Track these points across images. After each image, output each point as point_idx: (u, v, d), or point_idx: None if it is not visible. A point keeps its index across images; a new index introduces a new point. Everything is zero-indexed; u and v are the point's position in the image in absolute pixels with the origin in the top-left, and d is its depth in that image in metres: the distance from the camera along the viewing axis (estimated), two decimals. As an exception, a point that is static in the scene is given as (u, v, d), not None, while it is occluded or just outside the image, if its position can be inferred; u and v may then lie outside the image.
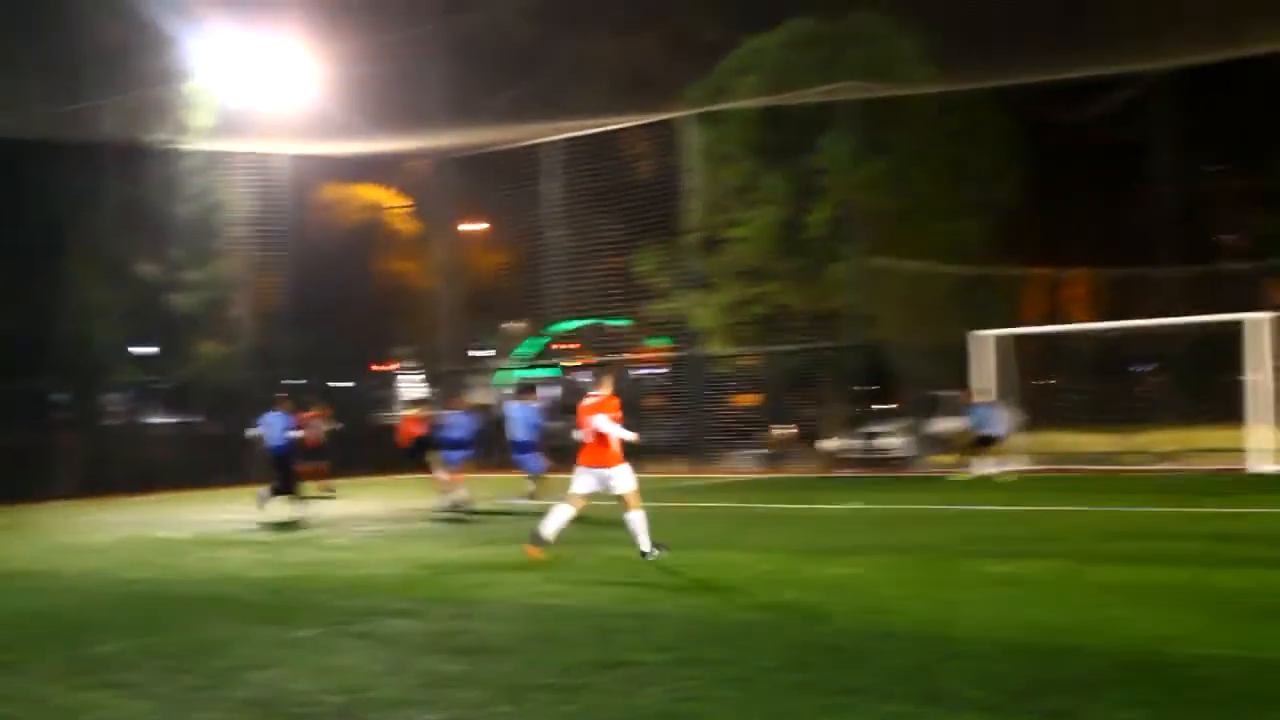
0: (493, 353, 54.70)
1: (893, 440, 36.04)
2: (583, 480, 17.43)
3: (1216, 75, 36.75)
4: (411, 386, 53.31)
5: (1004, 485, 28.48)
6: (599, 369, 19.15)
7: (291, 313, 42.85)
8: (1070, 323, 43.83)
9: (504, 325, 51.92)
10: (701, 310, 39.02)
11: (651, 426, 44.76)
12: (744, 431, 39.93)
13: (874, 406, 37.91)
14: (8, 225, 36.98)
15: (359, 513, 28.11)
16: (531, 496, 27.29)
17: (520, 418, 28.12)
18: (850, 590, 14.37)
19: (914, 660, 10.64)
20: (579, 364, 44.56)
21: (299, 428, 28.37)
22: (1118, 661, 10.26)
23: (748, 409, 42.13)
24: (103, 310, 39.10)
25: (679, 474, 36.10)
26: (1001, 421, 30.81)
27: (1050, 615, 12.36)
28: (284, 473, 27.24)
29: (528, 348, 49.80)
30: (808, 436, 39.49)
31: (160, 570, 18.29)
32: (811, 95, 36.87)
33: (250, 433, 27.95)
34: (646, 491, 29.37)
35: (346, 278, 45.89)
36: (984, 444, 30.76)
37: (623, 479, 17.29)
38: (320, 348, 44.37)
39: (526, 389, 30.12)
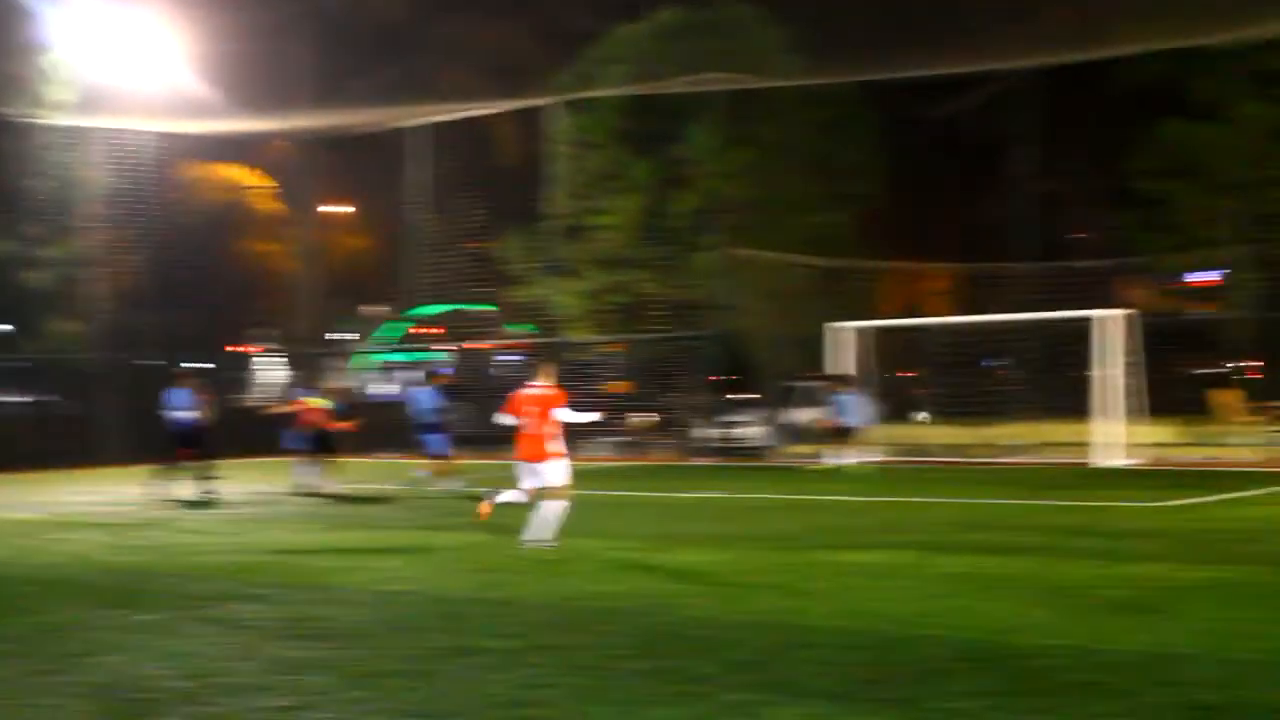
0: (354, 336, 54.38)
1: (751, 430, 36.27)
2: (523, 475, 17.25)
3: (1076, 76, 37.40)
4: (270, 369, 52.80)
5: (858, 476, 28.79)
6: (539, 359, 18.95)
7: (150, 292, 42.21)
8: (929, 316, 44.45)
9: (364, 309, 51.60)
10: (564, 297, 39.01)
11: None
12: (605, 419, 39.97)
13: (733, 396, 38.14)
14: None
15: (214, 495, 27.69)
16: (430, 477, 27.54)
17: (425, 400, 28.03)
18: (702, 578, 14.45)
19: (762, 649, 10.73)
20: (441, 348, 44.35)
21: (203, 405, 28.22)
22: (962, 651, 10.40)
23: (609, 396, 42.21)
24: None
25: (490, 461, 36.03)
26: (860, 412, 31.14)
27: (898, 605, 12.51)
28: (197, 449, 27.20)
29: (389, 332, 49.54)
30: (668, 425, 39.67)
31: (7, 552, 17.97)
32: (677, 85, 37.00)
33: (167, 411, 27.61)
34: (504, 478, 29.42)
35: (208, 258, 45.36)
36: (841, 434, 31.07)
37: (556, 472, 17.05)
38: (179, 328, 43.79)
39: (432, 373, 30.01)
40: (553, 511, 17.01)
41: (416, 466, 28.28)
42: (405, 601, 13.50)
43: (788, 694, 9.25)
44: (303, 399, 30.09)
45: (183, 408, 27.22)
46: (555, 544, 16.88)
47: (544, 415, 16.99)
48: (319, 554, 17.56)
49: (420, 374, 32.15)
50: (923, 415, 32.92)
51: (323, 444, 29.04)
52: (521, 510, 17.38)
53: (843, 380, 31.71)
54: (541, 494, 17.04)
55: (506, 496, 17.51)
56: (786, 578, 14.32)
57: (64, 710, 9.39)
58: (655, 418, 39.62)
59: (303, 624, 12.38)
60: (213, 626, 12.38)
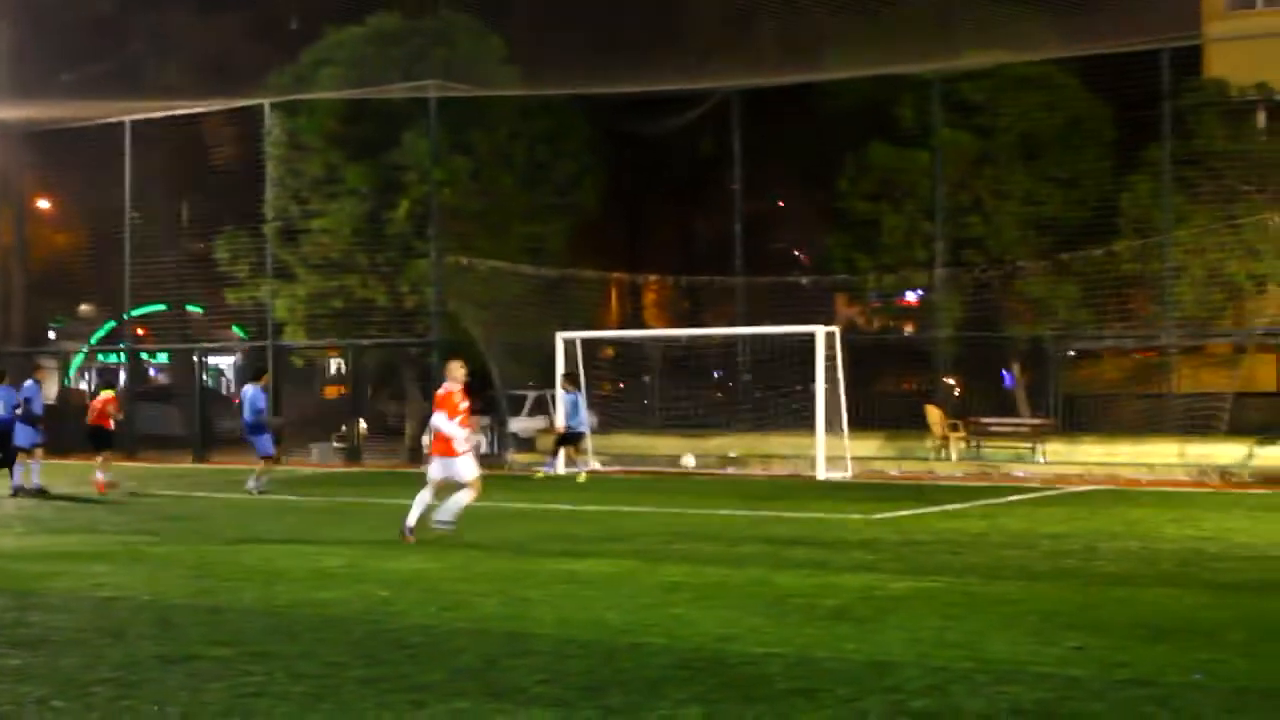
0: (62, 335, 52.66)
1: (474, 435, 36.26)
2: (433, 467, 18.43)
3: (787, 96, 38.22)
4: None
5: (579, 484, 28.94)
6: (446, 359, 20.51)
7: None
8: (649, 327, 45.02)
9: (79, 308, 50.02)
10: (280, 300, 38.40)
11: (226, 416, 43.97)
12: (325, 424, 39.52)
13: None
14: None
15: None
16: (259, 479, 27.37)
17: (251, 400, 27.63)
18: (422, 586, 14.37)
19: (483, 656, 10.71)
20: (156, 349, 43.23)
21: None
22: (679, 659, 10.52)
23: (328, 401, 41.77)
24: None
25: (254, 465, 35.36)
26: (584, 418, 31.32)
27: (617, 613, 12.60)
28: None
29: (102, 331, 48.15)
30: (389, 431, 39.36)
31: None
32: (393, 91, 36.80)
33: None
34: (217, 483, 28.89)
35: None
36: (570, 440, 31.16)
37: (467, 467, 18.29)
38: None
39: (259, 372, 29.36)
40: (457, 502, 18.35)
41: (252, 472, 27.80)
42: (116, 608, 13.14)
43: (509, 701, 9.25)
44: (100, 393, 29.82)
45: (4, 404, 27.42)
46: (456, 528, 18.27)
47: (451, 414, 18.10)
48: (24, 558, 16.99)
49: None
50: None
51: (100, 439, 28.67)
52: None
53: (571, 380, 31.80)
54: (451, 485, 18.40)
55: (412, 518, 18.42)
56: (507, 585, 14.33)
57: None
58: (364, 426, 39.28)
59: (9, 630, 11.97)
60: (-93, 634, 11.87)
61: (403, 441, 38.62)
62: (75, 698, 9.47)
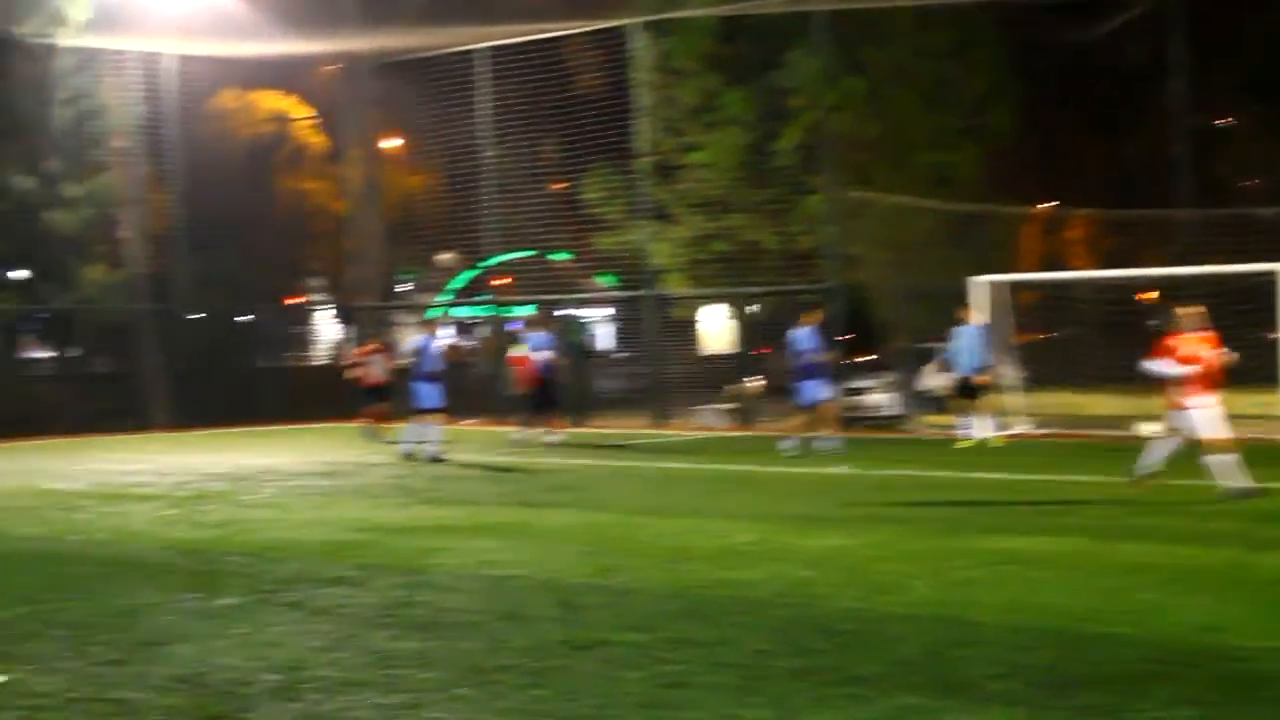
0: (416, 287, 54.51)
1: (879, 397, 36.06)
2: (1179, 418, 19.62)
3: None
4: (331, 323, 53.18)
5: (1002, 450, 28.55)
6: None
7: (184, 236, 42.43)
8: (1070, 268, 44.04)
9: (435, 256, 51.66)
10: (657, 245, 38.91)
11: (602, 376, 44.89)
12: (710, 383, 39.87)
13: (857, 358, 37.95)
14: None
15: (277, 465, 28.02)
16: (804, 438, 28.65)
17: (804, 342, 28.89)
18: (844, 565, 14.43)
19: (925, 645, 10.70)
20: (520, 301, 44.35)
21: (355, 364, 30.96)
22: (1155, 652, 10.32)
23: (713, 358, 42.17)
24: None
25: (637, 430, 36.10)
26: (983, 357, 30.20)
27: (1073, 599, 12.43)
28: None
29: (458, 282, 49.66)
30: (782, 390, 39.45)
31: (55, 527, 18.18)
32: (776, 5, 36.76)
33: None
34: (605, 450, 29.60)
35: (247, 197, 45.57)
36: (969, 392, 30.25)
37: (1204, 420, 19.41)
38: (217, 276, 44.06)
39: (810, 310, 30.47)
40: (1223, 462, 19.32)
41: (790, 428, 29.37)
42: (511, 587, 13.57)
43: (962, 698, 9.22)
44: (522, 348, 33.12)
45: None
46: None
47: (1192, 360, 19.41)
48: (409, 532, 17.69)
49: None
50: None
51: (545, 396, 32.20)
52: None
53: (972, 314, 30.85)
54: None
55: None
56: (939, 565, 14.27)
57: (146, 705, 9.49)
58: (763, 382, 39.46)
59: (397, 611, 12.46)
60: (296, 613, 12.50)
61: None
62: (480, 685, 9.81)
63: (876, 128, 37.18)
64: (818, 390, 28.68)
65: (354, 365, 34.96)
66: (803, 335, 28.75)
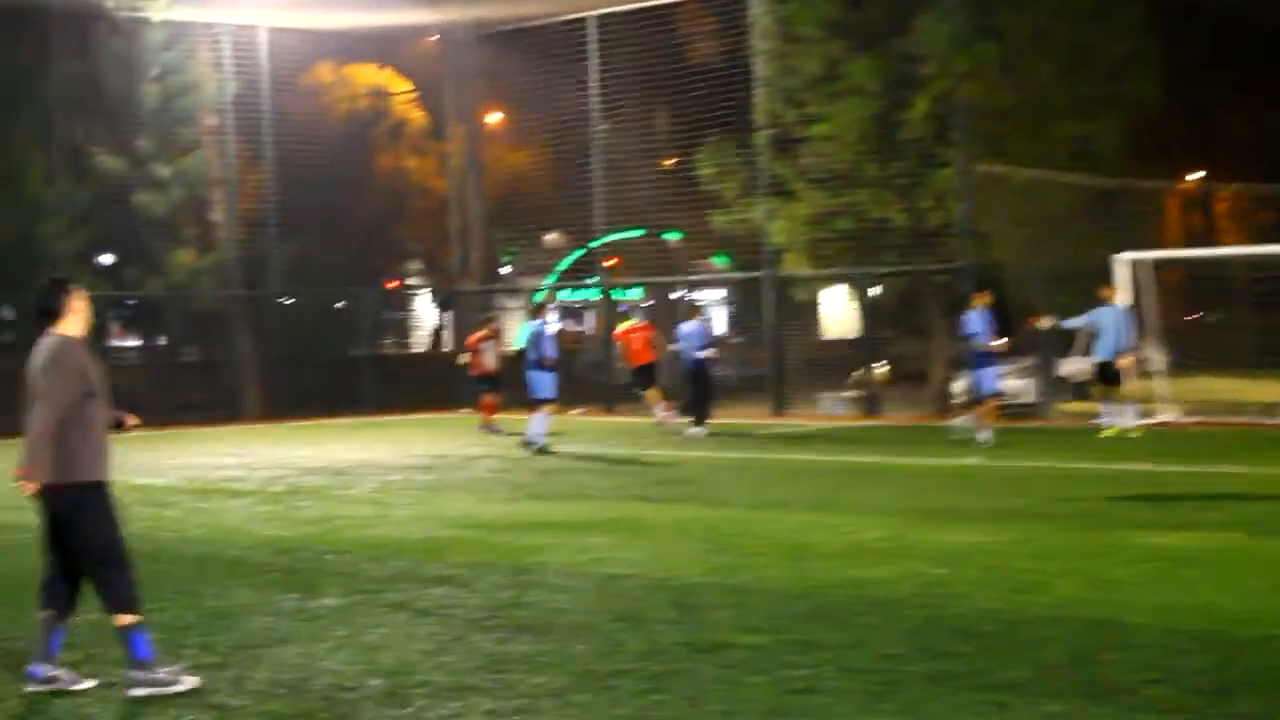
0: (519, 269, 54.69)
1: (1014, 383, 35.76)
2: None
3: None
4: (431, 308, 53.45)
5: (1145, 439, 28.22)
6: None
7: (278, 217, 42.74)
8: (1219, 245, 43.58)
9: (541, 236, 51.82)
10: (776, 223, 38.81)
11: (718, 361, 44.86)
12: (832, 370, 39.71)
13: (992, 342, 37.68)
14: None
15: (375, 458, 28.22)
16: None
17: (973, 326, 28.56)
18: (981, 563, 14.33)
19: (1072, 649, 10.63)
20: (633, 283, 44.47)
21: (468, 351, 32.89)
22: (1325, 658, 10.21)
23: (836, 343, 42.01)
24: (55, 209, 39.12)
25: (756, 420, 36.02)
26: (1130, 345, 29.80)
27: (1230, 599, 12.30)
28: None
29: (564, 264, 49.78)
30: (910, 376, 39.23)
31: (145, 524, 18.31)
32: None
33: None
34: (720, 441, 29.62)
35: (343, 177, 45.83)
36: (1109, 378, 29.85)
37: None
38: (311, 260, 44.37)
39: (978, 291, 30.59)
40: None
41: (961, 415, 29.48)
42: (624, 587, 13.57)
43: (1115, 704, 9.17)
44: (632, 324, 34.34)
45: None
46: None
47: None
48: (516, 528, 17.75)
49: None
50: None
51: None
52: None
53: (1117, 293, 30.44)
54: None
55: None
56: (1083, 563, 14.15)
57: (246, 711, 9.59)
58: (887, 368, 39.32)
59: (505, 612, 12.51)
60: (399, 614, 12.56)
61: (928, 389, 38.52)
62: (596, 691, 9.83)
63: (1011, 96, 36.87)
64: (992, 378, 28.22)
65: (467, 353, 35.16)
66: (973, 319, 28.35)
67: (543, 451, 28.04)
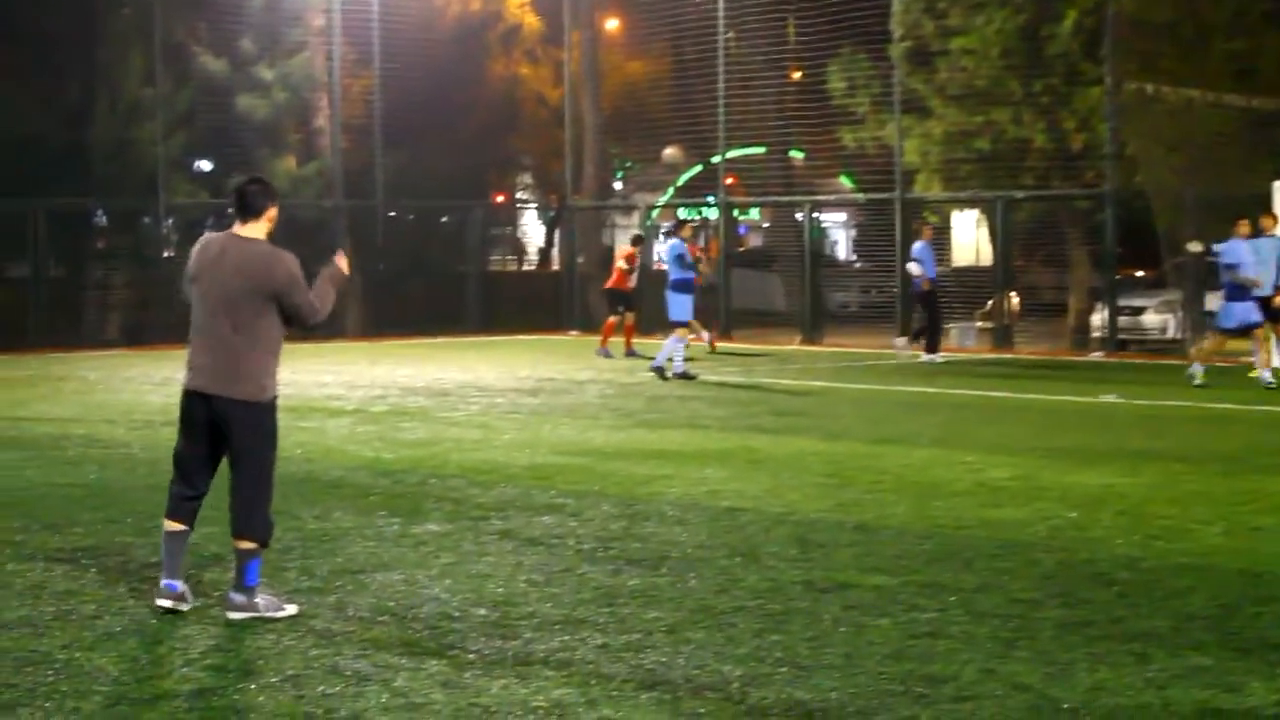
0: (634, 185, 54.69)
1: (1158, 317, 35.51)
2: None
3: None
4: (537, 224, 53.55)
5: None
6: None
7: (384, 125, 42.88)
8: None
9: (661, 151, 51.75)
10: (910, 141, 38.62)
11: (842, 288, 44.75)
12: (963, 299, 39.52)
13: (1134, 273, 37.44)
14: (32, 2, 37.28)
15: (479, 380, 28.44)
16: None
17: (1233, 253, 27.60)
18: (1116, 506, 14.29)
19: (1216, 599, 10.62)
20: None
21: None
22: None
23: (968, 271, 41.73)
24: (153, 113, 39.44)
25: (882, 349, 35.93)
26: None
27: (1389, 552, 12.26)
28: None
29: (682, 180, 49.75)
30: (1045, 307, 39.03)
31: (243, 443, 18.57)
32: None
33: None
34: (841, 371, 29.60)
35: (453, 84, 45.88)
36: (1265, 315, 29.05)
37: None
38: (417, 171, 44.49)
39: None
40: None
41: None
42: (741, 521, 13.64)
43: (1263, 660, 9.15)
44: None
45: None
46: None
47: None
48: (626, 457, 17.86)
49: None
50: None
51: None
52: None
53: (1261, 231, 29.57)
54: None
55: None
56: (1227, 509, 14.10)
57: (349, 637, 9.71)
58: (1022, 299, 39.10)
59: (619, 544, 12.62)
60: (506, 542, 12.70)
61: (1064, 320, 38.30)
62: (712, 629, 9.90)
63: (1168, 10, 36.46)
64: (1248, 312, 26.98)
65: (614, 272, 35.28)
66: (1233, 248, 27.36)
67: (683, 377, 27.99)
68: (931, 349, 32.45)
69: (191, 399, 10.34)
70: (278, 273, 10.20)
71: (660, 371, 28.19)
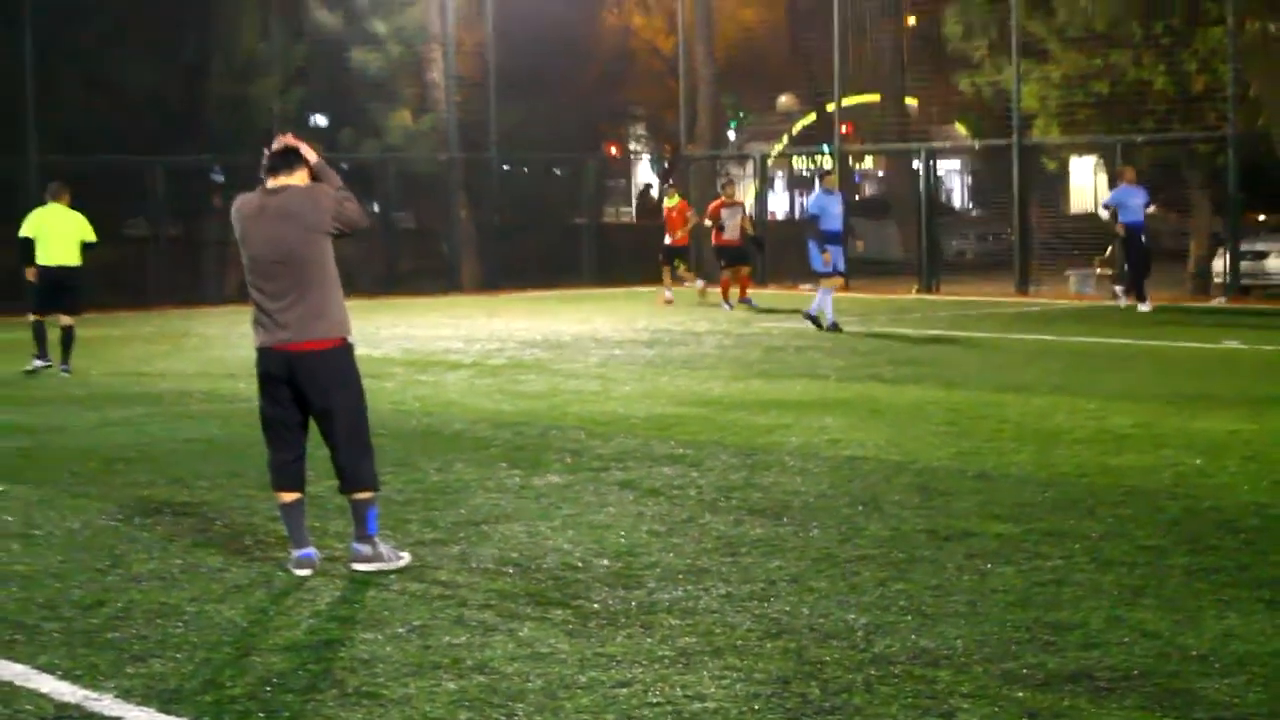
0: (749, 134, 54.62)
1: (1277, 261, 35.18)
2: None
3: None
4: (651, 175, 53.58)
5: None
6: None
7: (498, 78, 42.92)
8: None
9: (776, 99, 51.67)
10: (1027, 86, 38.31)
11: (958, 236, 44.53)
12: (1083, 246, 39.22)
13: (1257, 217, 37.00)
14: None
15: (596, 332, 28.54)
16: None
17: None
18: (1242, 453, 14.18)
19: (1351, 551, 10.53)
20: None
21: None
22: None
23: (1086, 218, 41.42)
24: (269, 67, 39.68)
25: (1000, 297, 35.77)
26: None
27: None
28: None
29: (797, 128, 49.63)
30: (1166, 253, 38.70)
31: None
32: None
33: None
34: (958, 319, 29.48)
35: (566, 36, 45.90)
36: None
37: None
38: (531, 123, 44.52)
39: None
40: None
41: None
42: (862, 470, 13.65)
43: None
44: None
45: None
46: None
47: None
48: (745, 407, 17.89)
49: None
50: None
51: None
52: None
53: None
54: None
55: None
56: (1356, 457, 13.98)
57: (473, 588, 9.80)
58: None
59: (737, 494, 12.66)
60: (627, 493, 12.76)
61: (1184, 267, 37.98)
62: (836, 578, 9.93)
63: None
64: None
65: (707, 221, 35.21)
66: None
67: (834, 329, 27.82)
68: (1141, 297, 31.77)
69: (269, 356, 10.30)
70: (319, 197, 10.24)
71: (816, 321, 28.05)
